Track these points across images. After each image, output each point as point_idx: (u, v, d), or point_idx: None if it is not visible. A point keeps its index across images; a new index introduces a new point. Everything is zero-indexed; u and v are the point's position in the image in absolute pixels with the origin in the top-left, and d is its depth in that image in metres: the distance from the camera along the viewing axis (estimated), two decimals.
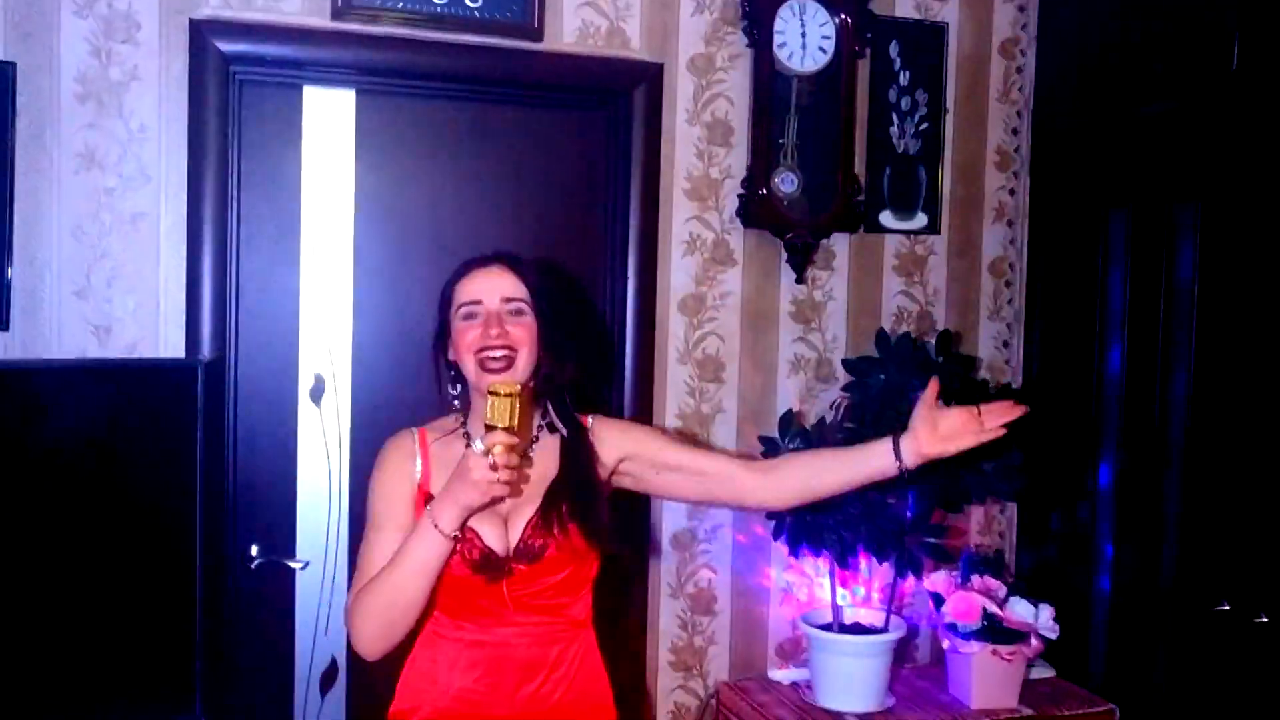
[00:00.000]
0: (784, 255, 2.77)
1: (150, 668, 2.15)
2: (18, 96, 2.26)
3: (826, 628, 2.59)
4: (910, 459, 1.87)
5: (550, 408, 1.95)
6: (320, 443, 2.57)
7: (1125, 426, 2.76)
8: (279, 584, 2.55)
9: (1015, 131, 3.01)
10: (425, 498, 1.81)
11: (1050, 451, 2.94)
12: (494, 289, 1.86)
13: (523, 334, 1.84)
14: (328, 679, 2.61)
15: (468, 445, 1.77)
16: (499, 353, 1.81)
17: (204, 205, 2.40)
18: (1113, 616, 2.80)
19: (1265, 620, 2.37)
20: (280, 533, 2.55)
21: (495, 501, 1.73)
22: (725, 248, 2.76)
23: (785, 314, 2.82)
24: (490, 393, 1.66)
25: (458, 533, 1.71)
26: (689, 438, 2.69)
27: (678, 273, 2.73)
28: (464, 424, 1.91)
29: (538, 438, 1.91)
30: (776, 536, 2.55)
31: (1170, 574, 2.64)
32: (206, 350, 2.39)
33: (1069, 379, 2.93)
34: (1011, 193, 3.01)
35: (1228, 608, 2.46)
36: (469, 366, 1.83)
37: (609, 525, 1.84)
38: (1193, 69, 2.56)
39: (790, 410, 2.67)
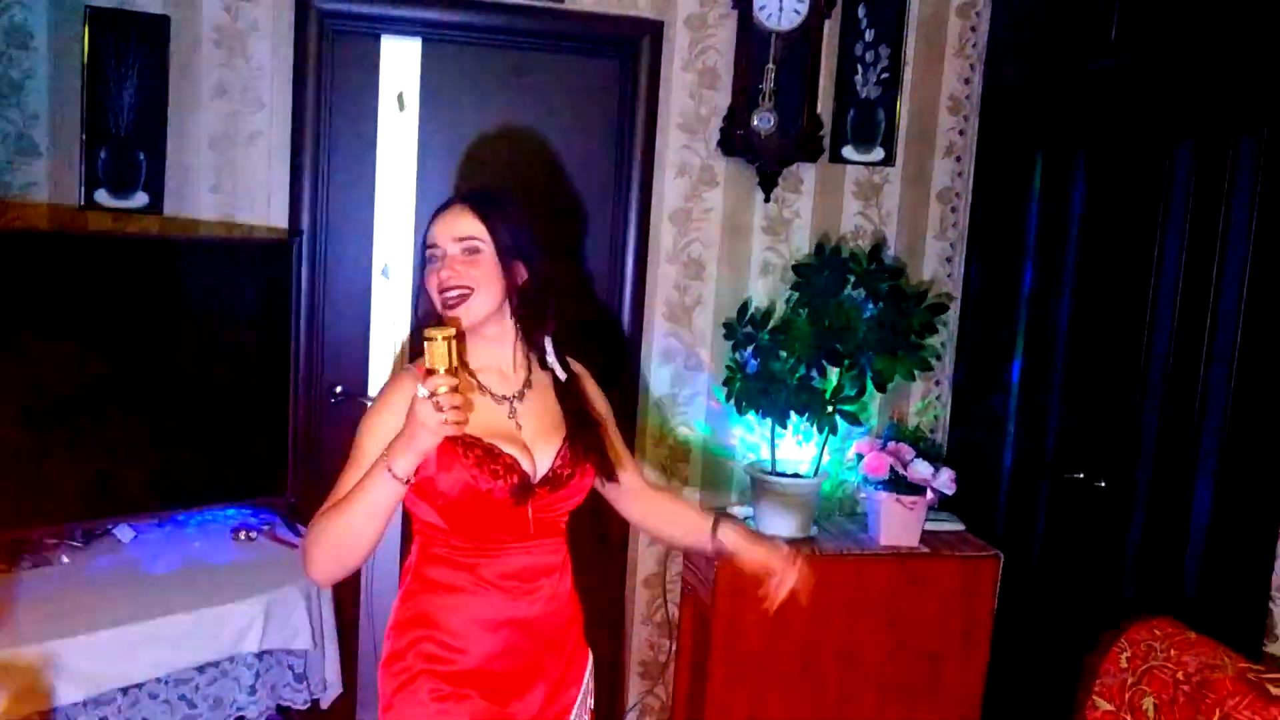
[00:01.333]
0: (757, 179, 3.44)
1: (258, 462, 3.01)
2: (171, 41, 3.08)
3: (769, 473, 3.32)
4: (723, 545, 2.12)
5: (549, 346, 2.03)
6: (388, 309, 3.38)
7: (1030, 333, 3.38)
8: (355, 414, 3.39)
9: (967, 81, 3.58)
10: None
11: (980, 350, 3.58)
12: (448, 231, 1.92)
13: (476, 273, 1.90)
14: None
15: (468, 373, 1.92)
16: (454, 292, 1.88)
17: (305, 127, 3.19)
18: (1010, 484, 3.45)
19: (1103, 485, 3.00)
20: (357, 375, 3.39)
21: (520, 394, 1.95)
22: (710, 172, 3.44)
23: (758, 228, 3.50)
24: (426, 339, 1.70)
25: (410, 477, 1.76)
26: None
27: (670, 191, 3.43)
28: (463, 360, 1.93)
29: (531, 370, 2.02)
30: (728, 400, 3.27)
31: (1049, 451, 3.27)
32: (304, 234, 3.21)
33: (997, 292, 3.54)
34: (961, 133, 3.60)
35: (1080, 476, 3.10)
36: (436, 305, 1.92)
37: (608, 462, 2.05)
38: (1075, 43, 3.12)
39: (745, 301, 3.37)
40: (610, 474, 2.05)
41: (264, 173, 3.18)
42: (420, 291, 1.98)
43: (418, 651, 1.93)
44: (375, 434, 1.85)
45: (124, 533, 2.78)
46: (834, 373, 3.27)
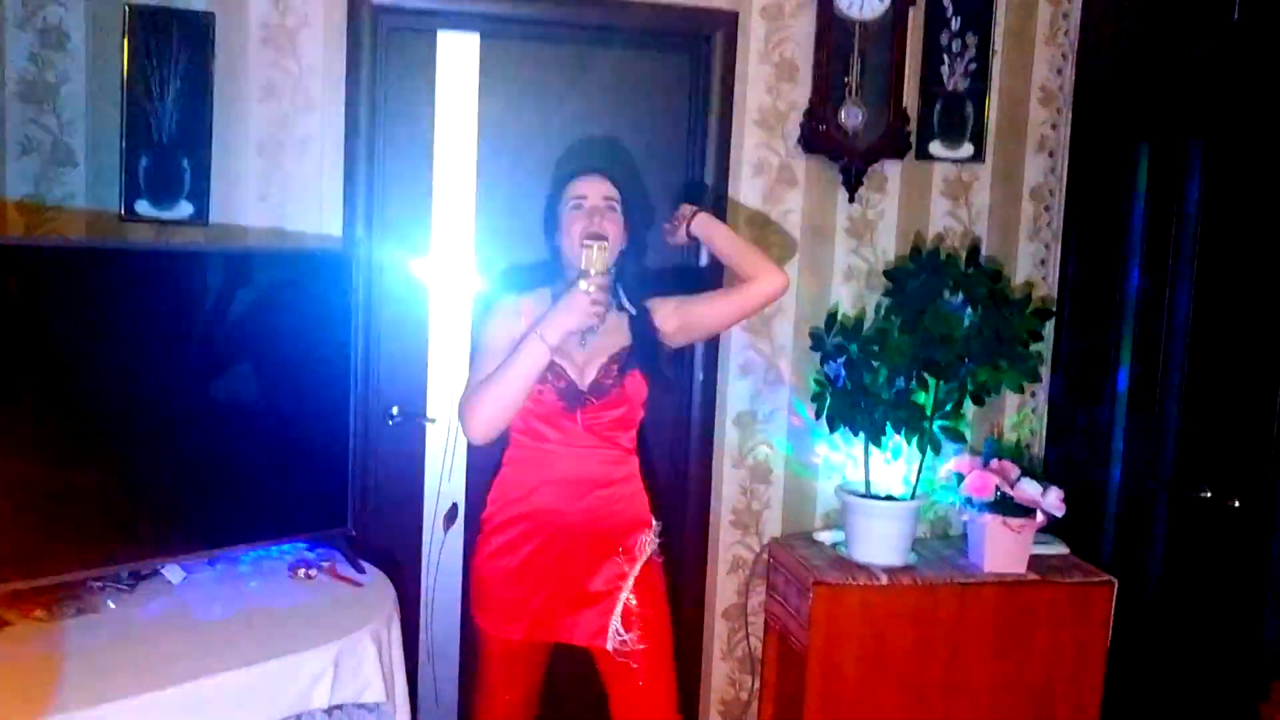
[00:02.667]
0: (840, 178, 3.20)
1: (316, 493, 2.77)
2: (216, 40, 2.85)
3: (862, 495, 3.07)
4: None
5: (621, 292, 2.58)
6: (447, 325, 3.15)
7: (1139, 338, 3.12)
8: (413, 437, 3.16)
9: (1059, 71, 3.34)
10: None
11: (1081, 358, 3.33)
12: (598, 190, 2.53)
13: (613, 227, 2.49)
14: (449, 519, 3.21)
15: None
16: (598, 232, 2.45)
17: (359, 130, 2.97)
18: (1120, 503, 3.19)
19: (1236, 505, 2.74)
20: (415, 395, 3.15)
21: (586, 328, 2.43)
22: (789, 171, 3.20)
23: (841, 230, 3.25)
24: (584, 245, 2.38)
25: (559, 345, 2.37)
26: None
27: (746, 192, 3.19)
28: (555, 296, 2.51)
29: (609, 310, 2.47)
30: (818, 417, 3.02)
31: (1167, 466, 3.02)
32: (358, 246, 2.98)
33: (1098, 295, 3.29)
34: (1054, 127, 3.36)
35: (1209, 495, 2.84)
36: (574, 246, 2.47)
37: (666, 373, 2.65)
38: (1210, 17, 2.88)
39: (832, 309, 3.12)
40: (661, 376, 2.62)
41: (316, 179, 2.96)
42: (550, 231, 2.62)
43: (486, 524, 2.60)
44: (496, 338, 2.52)
45: (173, 573, 2.54)
46: (931, 387, 3.02)
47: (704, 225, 2.70)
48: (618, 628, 2.48)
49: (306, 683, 2.23)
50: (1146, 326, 3.10)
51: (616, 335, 2.56)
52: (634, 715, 2.53)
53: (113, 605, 2.38)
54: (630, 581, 2.51)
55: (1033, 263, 3.39)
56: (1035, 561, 3.09)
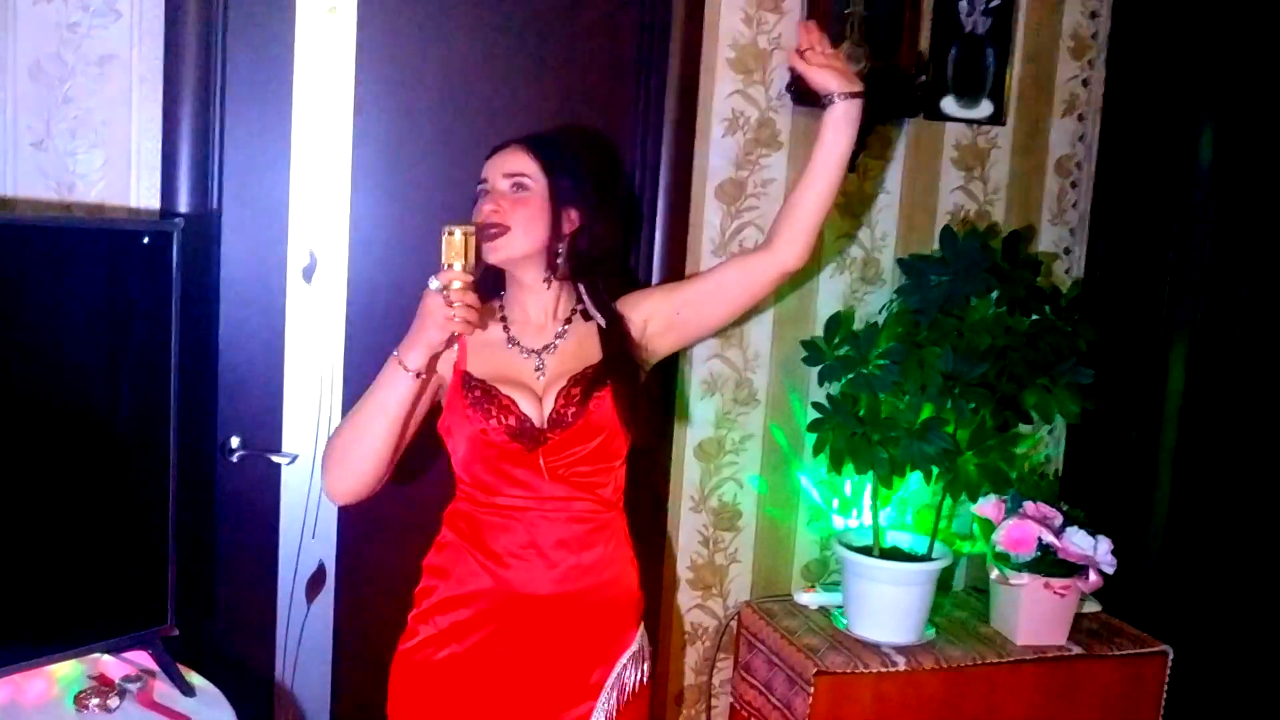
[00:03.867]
0: None
1: (119, 575, 1.89)
2: None
3: (864, 551, 2.37)
4: (838, 98, 1.94)
5: (584, 294, 1.98)
6: (311, 325, 2.30)
7: (1194, 348, 2.52)
8: (263, 479, 2.30)
9: (1094, 15, 2.69)
10: (460, 375, 1.89)
11: (1111, 370, 2.70)
12: (499, 166, 1.91)
13: (519, 212, 1.87)
14: (314, 584, 2.37)
15: (503, 325, 1.95)
16: (493, 230, 1.84)
17: (184, 50, 2.09)
18: (1167, 548, 2.59)
19: None
20: (265, 423, 2.29)
21: (454, 338, 1.80)
22: (770, 128, 2.46)
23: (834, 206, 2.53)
24: (445, 233, 1.72)
25: (422, 371, 1.78)
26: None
27: (716, 155, 2.43)
28: (502, 307, 1.98)
29: (570, 319, 1.96)
30: (817, 453, 2.30)
31: (1235, 505, 2.42)
32: (185, 216, 2.09)
33: (1135, 293, 2.67)
34: (1085, 84, 2.71)
35: None
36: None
37: (643, 408, 1.93)
38: None
39: (839, 312, 2.40)
40: (630, 417, 1.89)
41: (122, 117, 2.06)
42: None
43: (425, 598, 1.95)
44: None
45: None
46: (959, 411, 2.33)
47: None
48: None
49: None
50: (1207, 339, 2.49)
51: (583, 353, 1.94)
52: None
53: None
54: (615, 679, 1.95)
55: (1054, 251, 2.75)
56: (1075, 630, 2.47)
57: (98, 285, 1.84)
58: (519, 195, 1.88)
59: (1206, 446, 2.50)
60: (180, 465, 1.95)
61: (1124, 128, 2.70)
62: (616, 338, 1.94)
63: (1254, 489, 2.41)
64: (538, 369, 1.92)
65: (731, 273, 2.04)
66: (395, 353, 1.79)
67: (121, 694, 1.79)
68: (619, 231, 2.08)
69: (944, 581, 2.69)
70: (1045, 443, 2.81)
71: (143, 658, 1.90)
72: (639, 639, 1.99)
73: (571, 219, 1.91)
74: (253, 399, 2.29)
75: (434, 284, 1.74)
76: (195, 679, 1.89)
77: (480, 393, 1.86)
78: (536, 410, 1.88)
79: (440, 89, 2.31)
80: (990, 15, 2.58)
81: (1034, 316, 2.32)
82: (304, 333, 2.30)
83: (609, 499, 1.95)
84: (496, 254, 1.87)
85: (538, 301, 1.95)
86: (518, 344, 1.93)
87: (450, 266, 1.72)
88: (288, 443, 2.31)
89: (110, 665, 1.87)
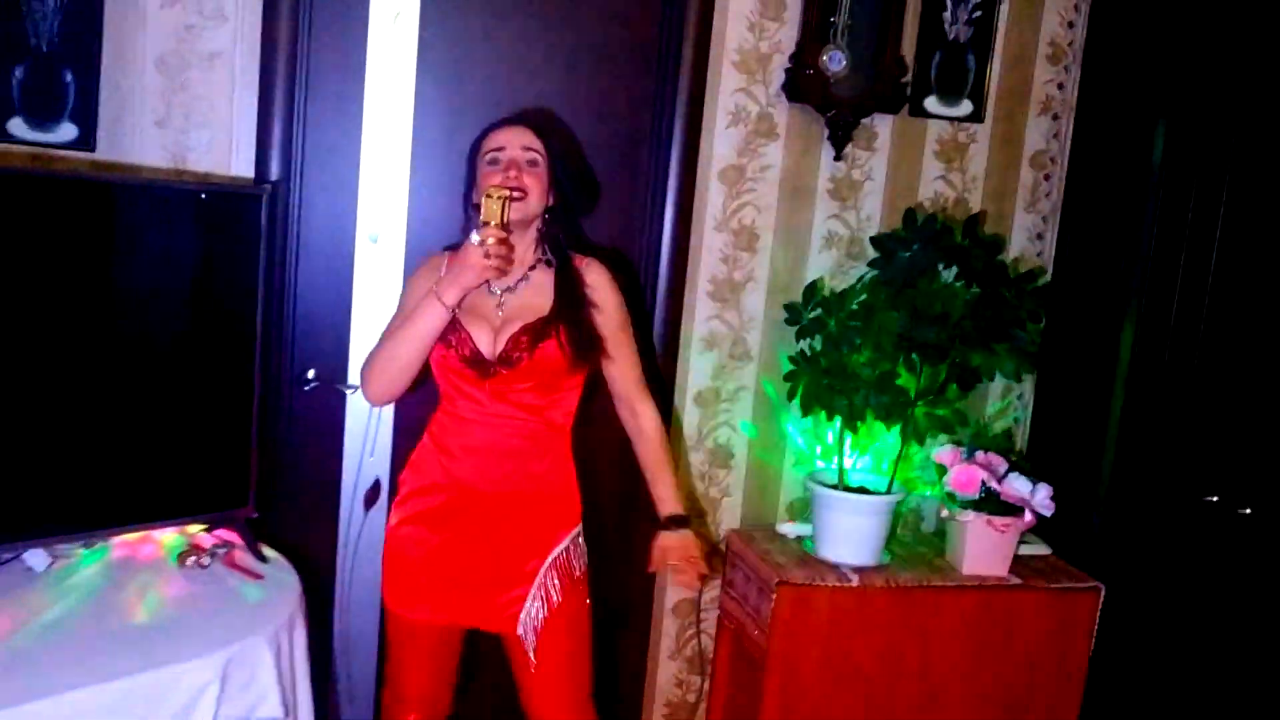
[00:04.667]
0: (826, 132, 2.86)
1: (213, 467, 2.39)
2: None
3: (834, 486, 2.76)
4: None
5: (547, 247, 2.28)
6: (375, 280, 2.77)
7: (1143, 326, 2.84)
8: (332, 405, 2.79)
9: (1071, 25, 3.02)
10: None
11: (1075, 343, 3.04)
12: (516, 139, 2.23)
13: (533, 182, 2.20)
14: (371, 497, 2.85)
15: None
16: (517, 192, 2.15)
17: (278, 48, 2.57)
18: (1110, 504, 2.93)
19: (1248, 511, 2.49)
20: (335, 359, 2.77)
21: (485, 282, 2.14)
22: (769, 121, 2.86)
23: (823, 190, 2.92)
24: (485, 195, 2.08)
25: (456, 306, 2.12)
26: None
27: (720, 144, 2.84)
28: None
29: (535, 267, 2.26)
30: (791, 398, 2.71)
31: (1168, 465, 2.75)
32: (273, 184, 2.58)
33: (1099, 276, 3.00)
34: (1060, 86, 3.04)
35: (1215, 499, 2.58)
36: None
37: (589, 344, 2.22)
38: None
39: (814, 281, 2.79)
40: (582, 356, 2.21)
41: (225, 103, 2.55)
42: (468, 191, 2.30)
43: (401, 487, 2.34)
44: (412, 292, 2.26)
45: (37, 559, 2.16)
46: (916, 370, 2.71)
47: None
48: (532, 618, 2.25)
49: (187, 698, 1.87)
50: (1153, 313, 2.82)
51: (541, 297, 2.25)
52: (540, 707, 2.34)
53: None
54: (547, 569, 2.26)
55: (1028, 236, 3.09)
56: (1016, 564, 2.82)
57: (200, 238, 2.33)
58: (532, 169, 2.21)
59: (1149, 414, 2.83)
60: (264, 390, 2.45)
61: (1095, 126, 3.03)
62: (568, 284, 2.24)
63: (1190, 451, 2.73)
64: (499, 306, 2.22)
65: (619, 391, 2.33)
66: (433, 289, 2.12)
67: (212, 556, 2.29)
68: (583, 202, 2.43)
69: (915, 523, 3.08)
70: (1015, 406, 3.16)
71: (230, 535, 2.40)
72: (571, 536, 2.28)
73: (553, 197, 2.26)
74: (325, 338, 2.77)
75: (474, 238, 2.08)
76: (269, 552, 2.38)
77: (448, 324, 2.16)
78: (490, 343, 2.18)
79: (488, 82, 2.75)
80: (972, 25, 2.93)
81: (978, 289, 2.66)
82: (369, 285, 2.77)
83: (556, 422, 2.26)
84: (516, 213, 2.14)
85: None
86: (487, 282, 2.18)
87: (488, 224, 2.07)
88: (352, 376, 2.79)
89: (204, 537, 2.37)
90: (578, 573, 2.30)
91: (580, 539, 2.32)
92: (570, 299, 2.22)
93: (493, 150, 2.23)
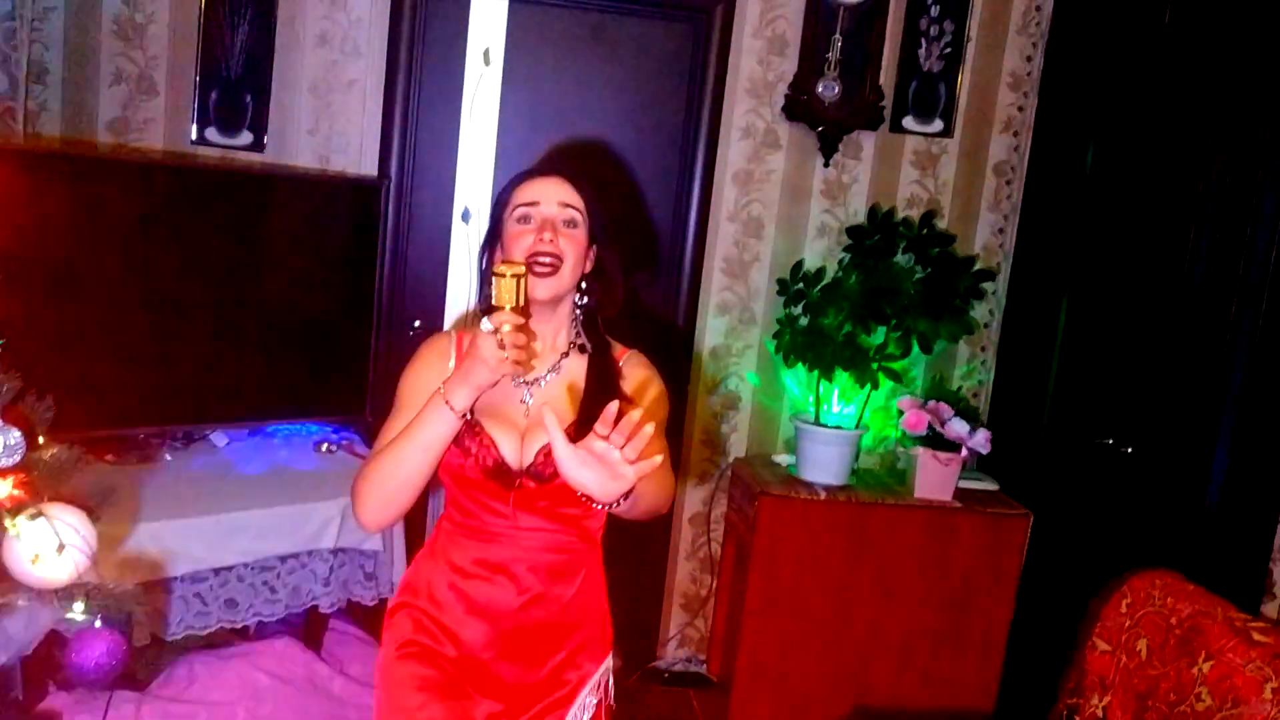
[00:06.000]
0: (818, 145, 3.61)
1: (342, 383, 3.30)
2: None
3: (812, 423, 3.51)
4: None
5: (582, 330, 1.92)
6: (466, 252, 3.64)
7: (1073, 304, 3.51)
8: None
9: (1029, 59, 3.70)
10: None
11: (1026, 319, 3.73)
12: (552, 194, 1.85)
13: (571, 246, 1.83)
14: None
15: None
16: (547, 259, 1.80)
17: (397, 77, 3.46)
18: (1044, 447, 3.60)
19: (1129, 450, 3.14)
20: (434, 310, 3.65)
21: (502, 379, 1.73)
22: (773, 136, 3.62)
23: (817, 191, 3.67)
24: (495, 274, 1.68)
25: (468, 413, 1.73)
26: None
27: (734, 153, 3.62)
28: None
29: (568, 354, 1.90)
30: (777, 353, 3.47)
31: (1083, 417, 3.42)
32: (392, 178, 3.47)
33: (1044, 264, 3.67)
34: (1020, 109, 3.73)
35: (1110, 441, 3.24)
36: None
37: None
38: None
39: (799, 260, 3.55)
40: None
41: (358, 118, 3.44)
42: (488, 249, 1.91)
43: (408, 613, 1.91)
44: (411, 385, 1.87)
45: (219, 438, 3.09)
46: (881, 333, 3.45)
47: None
48: None
49: (317, 526, 2.75)
50: (1081, 294, 3.48)
51: (575, 392, 1.87)
52: None
53: (169, 458, 2.93)
54: (575, 712, 1.91)
55: (991, 231, 3.78)
56: (964, 494, 3.52)
57: (339, 217, 3.24)
58: (570, 230, 1.83)
59: (1078, 371, 3.49)
60: (382, 331, 3.35)
61: (1049, 141, 3.70)
62: (603, 381, 1.83)
63: (1100, 405, 3.38)
64: (524, 402, 1.85)
65: None
66: (441, 391, 1.71)
67: (338, 445, 3.19)
68: (623, 276, 1.95)
69: (891, 462, 3.80)
70: (979, 370, 3.85)
71: (351, 433, 3.29)
72: (602, 670, 1.94)
73: (591, 259, 1.89)
74: (427, 295, 3.65)
75: (486, 326, 1.67)
76: None
77: (465, 426, 1.76)
78: (516, 452, 1.81)
79: (556, 98, 3.59)
80: (943, 59, 3.64)
81: (929, 270, 3.37)
82: (460, 256, 3.64)
83: (591, 532, 1.91)
84: (548, 289, 1.80)
85: (540, 330, 1.86)
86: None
87: (502, 308, 1.67)
88: (447, 324, 3.65)
89: (332, 434, 3.28)
90: (605, 711, 1.95)
91: (611, 673, 1.97)
92: (602, 397, 1.71)
93: (524, 205, 1.84)
